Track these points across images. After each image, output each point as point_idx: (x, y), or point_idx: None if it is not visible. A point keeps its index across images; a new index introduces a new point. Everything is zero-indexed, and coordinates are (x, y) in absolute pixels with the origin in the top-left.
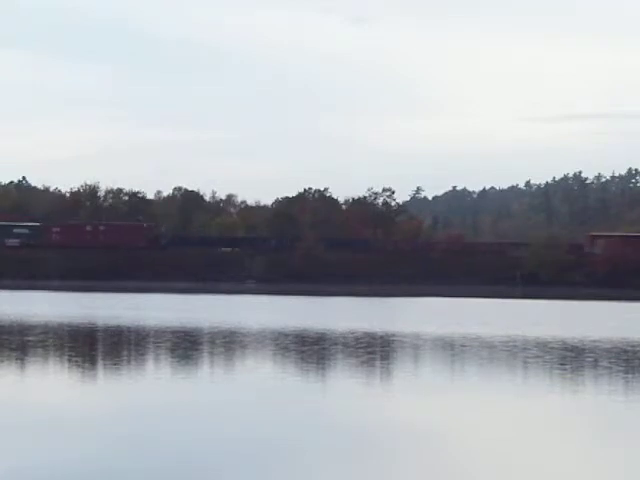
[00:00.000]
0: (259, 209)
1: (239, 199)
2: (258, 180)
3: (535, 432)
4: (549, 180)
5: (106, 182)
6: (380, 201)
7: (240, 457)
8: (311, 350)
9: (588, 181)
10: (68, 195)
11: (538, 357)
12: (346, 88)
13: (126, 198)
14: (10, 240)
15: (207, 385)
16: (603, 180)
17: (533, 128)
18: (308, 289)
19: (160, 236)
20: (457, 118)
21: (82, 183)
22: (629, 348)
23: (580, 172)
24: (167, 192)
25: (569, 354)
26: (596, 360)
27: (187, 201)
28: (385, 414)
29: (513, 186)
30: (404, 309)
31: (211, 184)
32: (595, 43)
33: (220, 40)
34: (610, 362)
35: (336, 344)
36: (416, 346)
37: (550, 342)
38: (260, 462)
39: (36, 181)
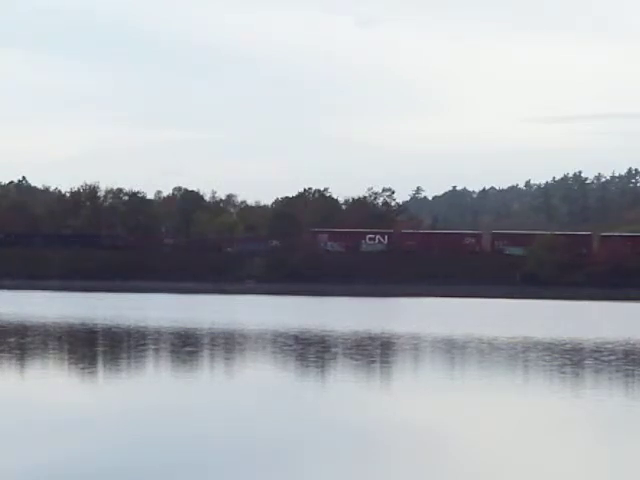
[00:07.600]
0: (259, 209)
1: (239, 199)
2: (258, 180)
3: (537, 433)
4: (549, 180)
5: (106, 182)
6: (380, 201)
7: (240, 457)
8: (311, 350)
9: (588, 181)
10: (68, 195)
11: (541, 358)
12: (346, 88)
13: (126, 198)
14: None
15: (207, 385)
16: (603, 180)
17: (533, 128)
18: (308, 289)
19: None
20: (457, 118)
21: (82, 183)
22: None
23: (580, 172)
24: (167, 192)
25: (571, 354)
26: (600, 361)
27: (187, 201)
28: (385, 415)
29: (513, 186)
30: (404, 309)
31: (211, 184)
32: (595, 43)
33: (220, 40)
34: (614, 362)
35: (336, 344)
36: (417, 347)
37: (552, 343)
38: (260, 462)
39: (36, 181)
